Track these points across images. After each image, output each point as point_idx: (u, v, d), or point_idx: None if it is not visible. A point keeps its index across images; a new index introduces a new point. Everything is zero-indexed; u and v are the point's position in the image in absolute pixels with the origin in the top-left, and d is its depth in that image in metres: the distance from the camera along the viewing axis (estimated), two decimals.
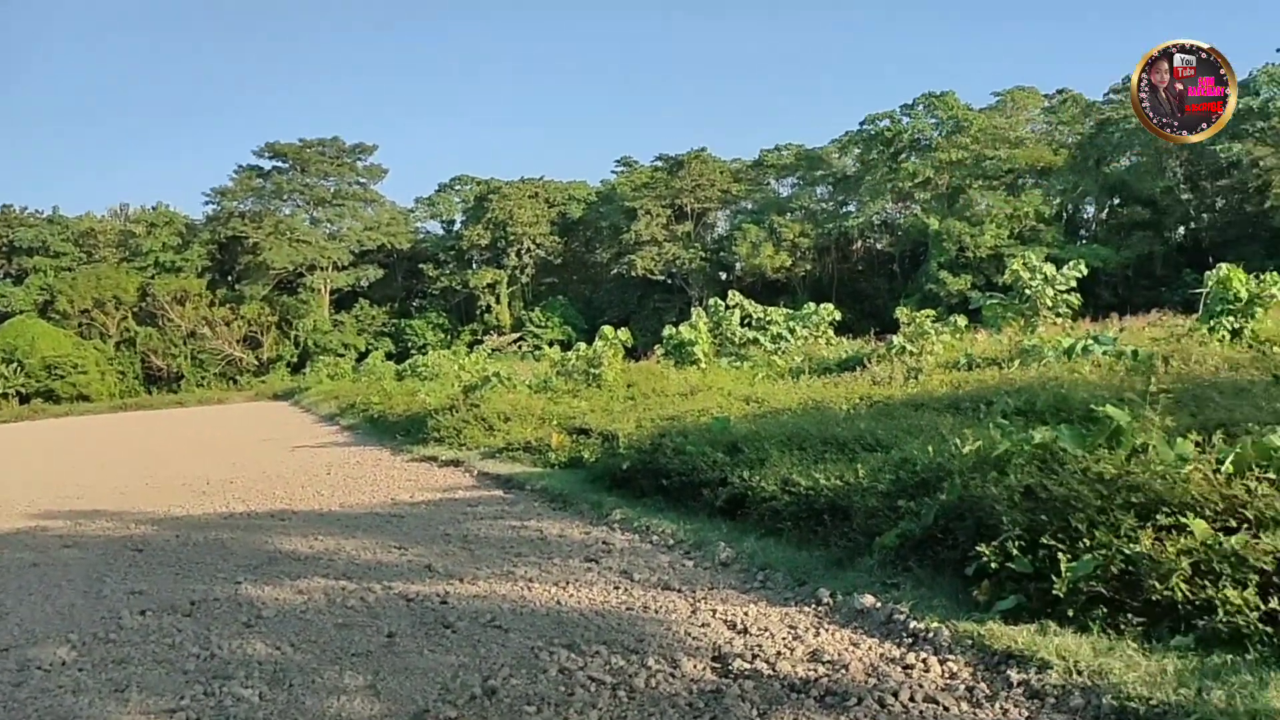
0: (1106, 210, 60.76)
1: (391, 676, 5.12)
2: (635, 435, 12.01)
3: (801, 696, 4.45)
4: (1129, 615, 4.54)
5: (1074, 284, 20.53)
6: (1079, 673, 4.16)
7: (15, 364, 63.79)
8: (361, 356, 62.44)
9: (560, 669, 5.05)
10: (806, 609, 5.83)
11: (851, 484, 7.21)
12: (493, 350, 44.82)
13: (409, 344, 67.12)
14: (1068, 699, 4.05)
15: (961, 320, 21.26)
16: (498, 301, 72.41)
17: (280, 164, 74.48)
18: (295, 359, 71.36)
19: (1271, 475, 4.91)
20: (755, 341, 25.41)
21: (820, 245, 65.55)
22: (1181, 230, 58.61)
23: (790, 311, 27.81)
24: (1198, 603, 4.35)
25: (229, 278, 76.51)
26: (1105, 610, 4.60)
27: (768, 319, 26.47)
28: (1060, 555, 4.80)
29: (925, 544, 6.00)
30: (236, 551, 9.14)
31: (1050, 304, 20.26)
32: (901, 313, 20.74)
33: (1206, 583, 4.38)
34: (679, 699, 4.53)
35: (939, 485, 6.28)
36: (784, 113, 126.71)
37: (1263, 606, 4.18)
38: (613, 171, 77.17)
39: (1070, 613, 4.67)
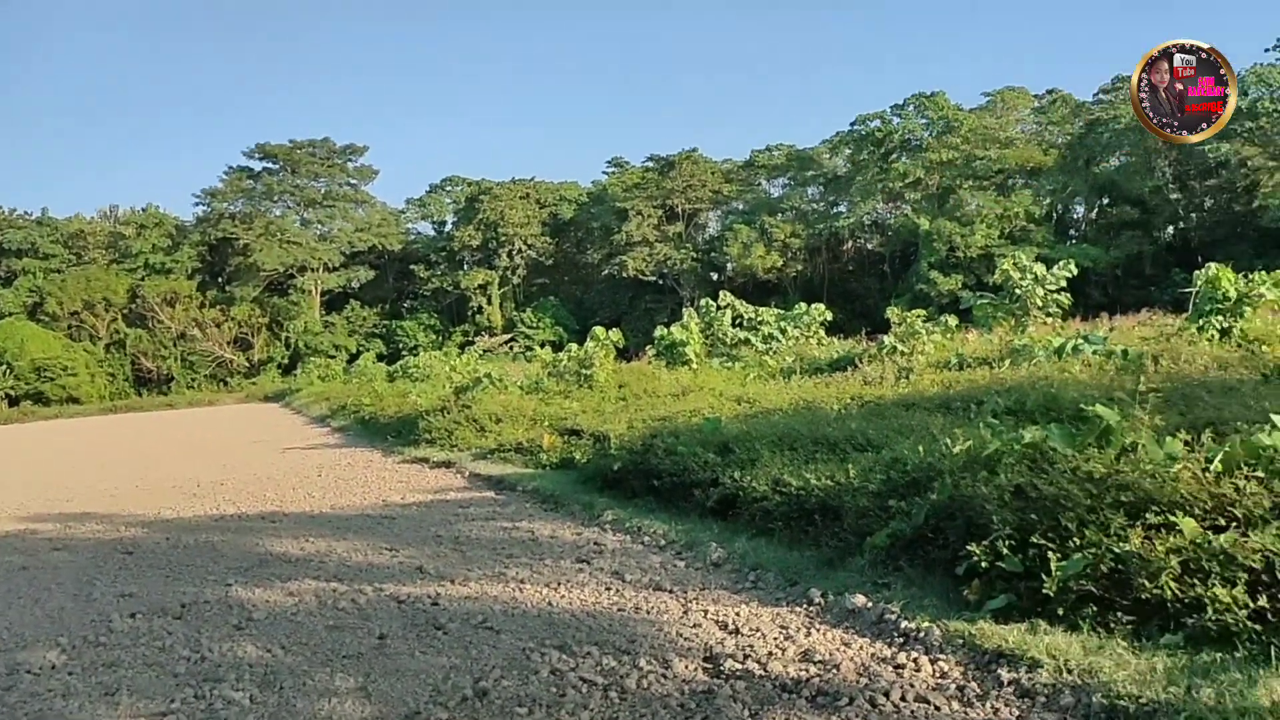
0: (1096, 210, 61.02)
1: (383, 678, 5.12)
2: (627, 436, 12.00)
3: (793, 697, 4.46)
4: (1119, 614, 4.55)
5: (1064, 284, 20.68)
6: (1069, 671, 4.17)
7: (4, 366, 63.42)
8: (353, 358, 62.20)
9: (552, 670, 5.04)
10: (798, 609, 5.83)
11: (842, 484, 7.22)
12: (484, 351, 44.68)
13: (400, 345, 66.90)
14: (1058, 697, 4.07)
15: (952, 320, 21.37)
16: (489, 302, 72.28)
17: (270, 165, 74.30)
18: (286, 360, 71.16)
19: (1260, 474, 4.93)
20: (747, 342, 25.45)
21: (811, 245, 65.67)
22: (1170, 230, 58.99)
23: (781, 312, 27.85)
24: (1187, 601, 4.37)
25: (219, 279, 76.23)
26: (1095, 609, 4.62)
27: (759, 319, 26.52)
28: (1050, 554, 4.82)
29: (916, 543, 6.02)
30: (227, 554, 9.11)
31: (1040, 304, 20.39)
32: (892, 313, 20.85)
33: (1196, 581, 4.39)
34: (671, 700, 4.53)
35: (930, 485, 6.29)
36: (775, 113, 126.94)
37: (1251, 604, 4.20)
38: (604, 172, 77.35)
39: (1060, 611, 4.69)
